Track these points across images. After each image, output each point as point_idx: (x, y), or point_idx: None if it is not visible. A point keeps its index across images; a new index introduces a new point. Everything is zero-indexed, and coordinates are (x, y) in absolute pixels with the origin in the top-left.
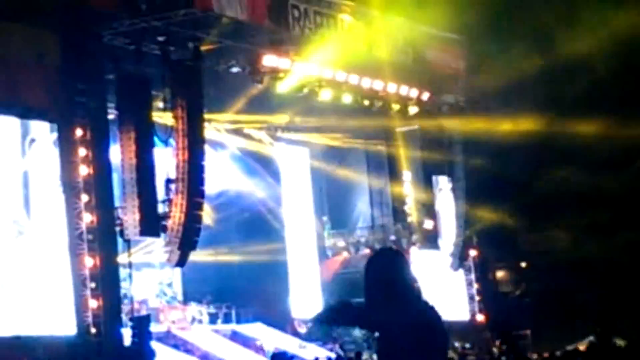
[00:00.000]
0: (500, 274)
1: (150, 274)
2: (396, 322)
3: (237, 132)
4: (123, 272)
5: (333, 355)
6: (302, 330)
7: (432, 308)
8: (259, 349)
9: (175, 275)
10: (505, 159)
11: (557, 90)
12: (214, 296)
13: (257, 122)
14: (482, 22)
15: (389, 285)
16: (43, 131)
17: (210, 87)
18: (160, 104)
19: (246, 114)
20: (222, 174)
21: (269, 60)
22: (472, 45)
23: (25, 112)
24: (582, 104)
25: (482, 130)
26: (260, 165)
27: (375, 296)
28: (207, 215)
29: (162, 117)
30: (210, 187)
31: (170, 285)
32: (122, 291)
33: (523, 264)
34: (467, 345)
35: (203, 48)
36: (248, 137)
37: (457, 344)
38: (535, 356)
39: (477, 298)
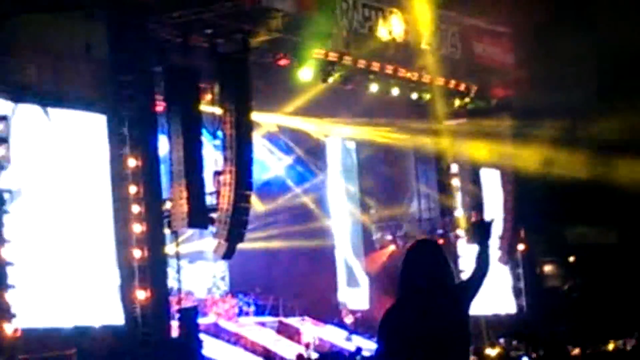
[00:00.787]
0: (547, 268)
1: (204, 267)
2: (419, 315)
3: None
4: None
5: None
6: (349, 320)
7: (458, 304)
8: (305, 343)
9: (217, 266)
10: (554, 152)
11: (610, 86)
12: (261, 288)
13: (305, 116)
14: (532, 15)
15: (421, 278)
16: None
17: (260, 80)
18: (208, 96)
19: (294, 107)
20: (268, 163)
21: (317, 53)
22: (521, 38)
23: (74, 104)
24: (635, 97)
25: (530, 124)
26: (308, 156)
27: (408, 289)
28: (257, 203)
29: (210, 110)
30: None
31: (223, 278)
32: (172, 283)
33: (571, 259)
34: (514, 342)
35: (251, 41)
36: (295, 129)
37: (502, 340)
38: (577, 351)
39: (524, 292)
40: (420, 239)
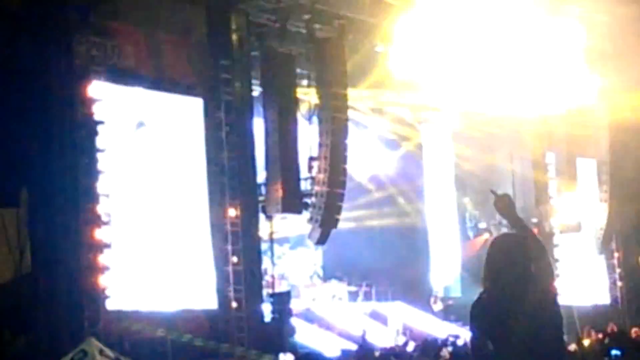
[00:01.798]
0: None
1: (305, 254)
2: (509, 307)
3: (380, 111)
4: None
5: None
6: (437, 307)
7: (545, 297)
8: (394, 330)
9: (317, 253)
10: None
11: None
12: (355, 274)
13: (399, 100)
14: (631, 4)
15: (506, 271)
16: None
17: (355, 66)
18: (304, 82)
19: (390, 94)
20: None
21: (413, 39)
22: (620, 25)
23: (172, 88)
24: None
25: (629, 114)
26: (400, 144)
27: (494, 282)
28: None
29: (306, 95)
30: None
31: (323, 266)
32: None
33: None
34: (604, 331)
35: (348, 26)
36: (390, 116)
37: (592, 331)
38: None
39: (619, 283)
40: (501, 233)
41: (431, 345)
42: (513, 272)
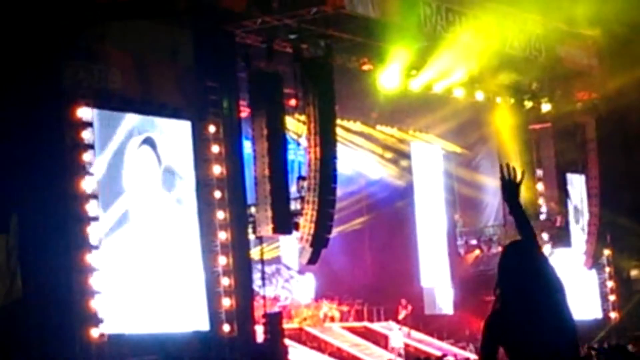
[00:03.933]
0: (635, 272)
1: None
2: (526, 312)
3: (369, 130)
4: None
5: (472, 355)
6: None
7: (562, 304)
8: (391, 348)
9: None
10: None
11: None
12: (346, 294)
13: (390, 124)
14: (617, 17)
15: (522, 275)
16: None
17: (342, 85)
18: (292, 102)
19: (378, 113)
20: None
21: (400, 58)
22: (606, 41)
23: (160, 110)
24: None
25: (616, 127)
26: (391, 161)
27: (508, 287)
28: None
29: (294, 115)
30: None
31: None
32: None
33: None
34: (596, 345)
35: (334, 46)
36: (380, 134)
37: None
38: None
39: (610, 297)
40: (512, 241)
41: None
42: (525, 280)
